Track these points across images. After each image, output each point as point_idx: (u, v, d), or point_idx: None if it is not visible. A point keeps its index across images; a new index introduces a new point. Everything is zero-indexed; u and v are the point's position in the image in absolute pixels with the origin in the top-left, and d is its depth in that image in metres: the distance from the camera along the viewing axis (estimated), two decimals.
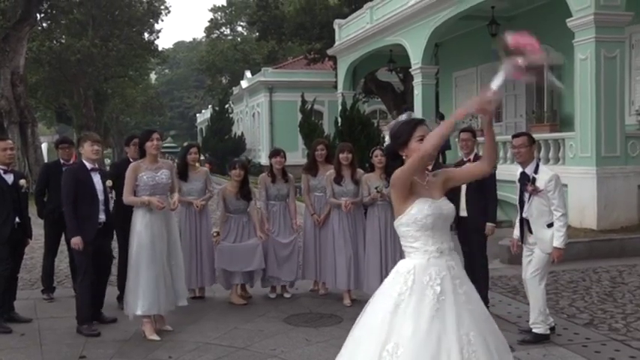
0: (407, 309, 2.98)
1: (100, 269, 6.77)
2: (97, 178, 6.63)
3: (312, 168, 8.02)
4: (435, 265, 3.12)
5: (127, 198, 6.31)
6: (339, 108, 17.78)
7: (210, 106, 49.93)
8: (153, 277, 6.26)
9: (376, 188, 7.32)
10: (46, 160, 22.93)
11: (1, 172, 6.85)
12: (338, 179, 7.55)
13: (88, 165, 6.61)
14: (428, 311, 2.97)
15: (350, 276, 7.49)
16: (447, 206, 3.30)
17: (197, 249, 7.85)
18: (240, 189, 7.80)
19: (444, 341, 2.90)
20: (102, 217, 6.64)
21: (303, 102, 18.33)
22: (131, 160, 7.37)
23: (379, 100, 30.14)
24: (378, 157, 7.41)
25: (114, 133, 57.55)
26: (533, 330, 5.89)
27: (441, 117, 18.67)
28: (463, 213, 6.83)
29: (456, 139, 7.83)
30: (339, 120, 15.51)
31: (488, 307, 6.87)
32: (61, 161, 8.06)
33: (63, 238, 7.66)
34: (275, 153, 8.04)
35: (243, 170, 7.83)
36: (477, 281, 6.90)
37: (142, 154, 6.53)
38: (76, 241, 6.38)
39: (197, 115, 67.30)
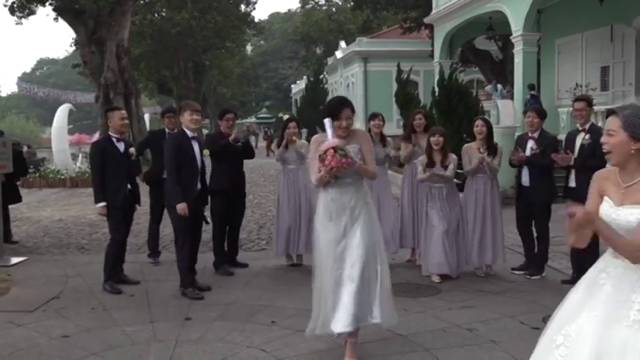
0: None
1: (194, 235, 6.95)
2: (196, 147, 6.79)
3: (410, 136, 8.08)
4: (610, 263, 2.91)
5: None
6: (436, 78, 17.51)
7: (304, 76, 50.21)
8: None
9: (479, 149, 7.40)
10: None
11: (115, 140, 7.16)
12: (429, 164, 7.48)
13: (189, 133, 6.76)
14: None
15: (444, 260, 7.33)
16: (628, 217, 2.80)
17: (297, 215, 8.03)
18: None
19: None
20: (197, 184, 6.81)
21: (399, 72, 18.13)
22: (224, 133, 7.74)
23: (477, 69, 29.41)
24: (478, 127, 7.43)
25: (211, 104, 58.93)
26: None
27: (531, 87, 18.04)
28: (572, 183, 6.90)
29: (570, 109, 7.71)
30: (436, 90, 15.25)
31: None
32: (167, 130, 8.38)
33: None
34: (373, 116, 8.17)
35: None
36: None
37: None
38: (182, 206, 6.54)
39: (292, 85, 67.85)
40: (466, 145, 7.67)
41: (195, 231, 6.96)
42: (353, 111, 4.85)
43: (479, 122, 7.52)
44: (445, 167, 7.38)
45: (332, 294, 4.69)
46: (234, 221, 8.18)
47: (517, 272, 7.61)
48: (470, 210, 7.52)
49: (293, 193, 8.03)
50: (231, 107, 8.61)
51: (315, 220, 4.97)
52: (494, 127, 14.00)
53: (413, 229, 8.03)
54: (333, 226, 4.76)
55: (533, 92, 18.10)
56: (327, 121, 4.67)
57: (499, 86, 21.51)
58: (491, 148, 7.43)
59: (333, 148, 4.55)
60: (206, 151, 7.09)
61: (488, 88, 24.03)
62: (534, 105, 17.88)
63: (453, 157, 7.50)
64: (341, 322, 4.64)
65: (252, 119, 78.31)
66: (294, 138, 8.12)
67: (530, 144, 7.34)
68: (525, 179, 7.40)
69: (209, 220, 7.58)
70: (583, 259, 6.94)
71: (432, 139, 7.42)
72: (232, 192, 7.93)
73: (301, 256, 8.23)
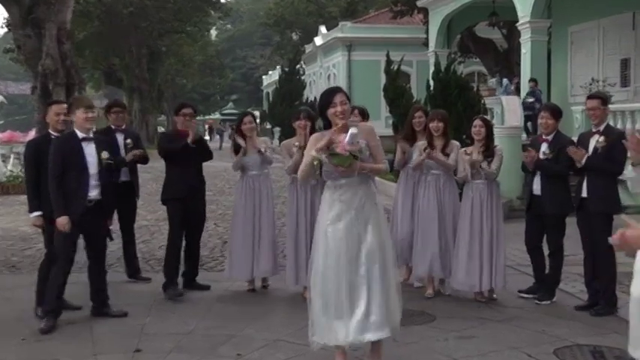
0: None
1: (93, 253, 6.90)
2: (90, 149, 6.66)
3: (408, 136, 8.14)
4: None
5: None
6: (431, 69, 17.55)
7: (278, 66, 50.26)
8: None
9: (465, 151, 7.54)
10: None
11: (56, 137, 7.00)
12: (429, 148, 7.62)
13: (80, 134, 6.66)
14: None
15: (434, 262, 7.65)
16: None
17: (256, 232, 7.95)
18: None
19: None
20: (93, 193, 6.63)
21: (389, 62, 18.17)
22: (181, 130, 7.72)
23: (478, 60, 29.64)
24: (477, 127, 7.56)
25: (168, 98, 58.77)
26: None
27: (534, 82, 18.26)
28: (584, 193, 7.01)
29: (583, 109, 7.80)
30: (431, 83, 15.32)
31: (616, 306, 6.85)
32: (113, 127, 8.30)
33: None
34: (351, 110, 8.03)
35: (310, 121, 7.67)
36: (600, 276, 6.99)
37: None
38: (62, 221, 6.43)
39: (263, 77, 67.94)
40: (462, 148, 7.72)
41: (90, 250, 6.92)
42: (348, 98, 5.12)
43: (477, 122, 7.61)
44: (446, 155, 7.58)
45: (346, 299, 4.96)
46: (192, 235, 8.12)
47: (524, 295, 7.63)
48: (464, 221, 7.54)
49: (252, 206, 7.92)
50: (189, 101, 8.62)
51: (319, 221, 5.23)
52: (498, 128, 14.13)
53: (410, 244, 8.02)
54: (344, 226, 5.03)
55: (533, 85, 18.33)
56: (352, 130, 4.89)
57: (504, 80, 21.66)
58: (488, 150, 7.47)
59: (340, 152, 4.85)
60: (105, 154, 6.81)
61: (492, 82, 24.24)
62: (533, 102, 18.20)
63: (455, 144, 7.71)
64: (374, 328, 4.95)
65: (217, 115, 78.25)
66: (250, 134, 7.97)
67: (544, 148, 7.37)
68: (537, 187, 7.43)
69: (114, 235, 7.61)
70: (600, 283, 7.03)
71: (431, 124, 7.60)
72: (189, 200, 7.86)
73: (266, 279, 8.21)
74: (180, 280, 8.01)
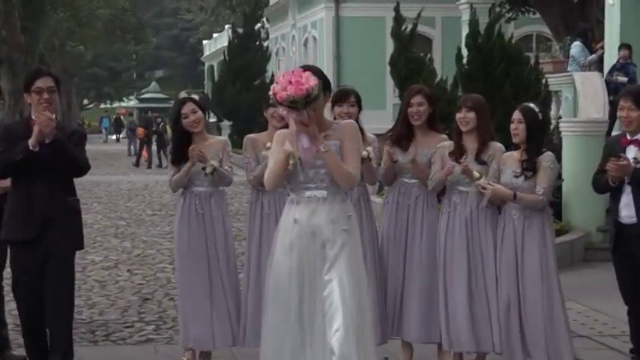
0: None
1: None
2: None
3: (401, 135, 8.07)
4: None
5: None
6: (464, 32, 17.57)
7: (227, 26, 50.31)
8: None
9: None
10: None
11: None
12: (456, 153, 7.62)
13: None
14: None
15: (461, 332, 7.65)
16: None
17: (214, 278, 8.04)
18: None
19: None
20: None
21: (398, 20, 18.17)
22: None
23: (537, 16, 29.67)
24: (514, 122, 7.51)
25: (56, 72, 58.71)
26: None
27: (627, 49, 18.29)
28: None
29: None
30: (464, 53, 15.35)
31: None
32: None
33: None
34: (341, 96, 8.08)
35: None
36: None
37: None
38: None
39: (204, 42, 67.97)
40: (505, 154, 7.68)
41: None
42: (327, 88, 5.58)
43: (516, 115, 7.52)
44: (482, 161, 7.56)
45: None
46: (51, 305, 7.67)
47: None
48: (500, 259, 7.59)
49: (202, 241, 7.97)
50: (46, 68, 8.27)
51: (273, 247, 5.56)
52: (567, 122, 14.20)
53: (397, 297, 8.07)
54: (297, 258, 5.31)
55: (625, 55, 18.29)
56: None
57: (577, 44, 21.44)
58: (529, 161, 7.42)
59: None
60: None
61: (558, 49, 24.18)
62: (625, 81, 18.11)
63: (497, 147, 7.68)
64: None
65: (132, 102, 78.17)
66: (196, 130, 8.00)
67: (632, 152, 7.40)
68: (628, 213, 7.45)
69: None
70: None
71: (458, 115, 7.61)
72: (39, 243, 7.67)
73: (210, 354, 8.24)
74: None
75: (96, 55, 64.81)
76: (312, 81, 5.28)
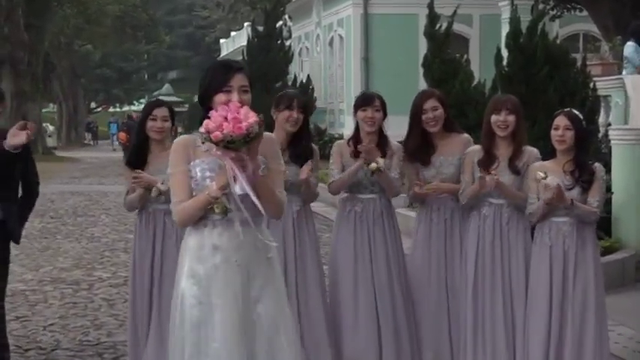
0: None
1: None
2: None
3: (420, 148, 8.11)
4: None
5: None
6: (504, 30, 17.56)
7: (246, 24, 50.45)
8: None
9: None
10: None
11: None
12: (486, 162, 7.61)
13: None
14: None
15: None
16: None
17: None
18: (293, 144, 7.94)
19: None
20: None
21: (432, 17, 18.19)
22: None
23: (584, 14, 29.64)
24: (559, 129, 7.39)
25: (62, 74, 58.89)
26: None
27: None
28: None
29: None
30: (505, 54, 15.34)
31: None
32: None
33: None
34: (365, 101, 8.15)
35: (303, 113, 7.85)
36: None
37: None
38: None
39: (221, 42, 68.21)
40: (538, 163, 7.60)
41: None
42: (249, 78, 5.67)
43: (559, 120, 7.40)
44: (516, 170, 7.57)
45: None
46: None
47: None
48: (538, 289, 7.52)
49: (158, 260, 8.07)
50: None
51: (177, 278, 5.58)
52: (618, 130, 14.17)
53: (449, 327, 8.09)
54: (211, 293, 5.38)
55: None
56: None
57: (630, 45, 21.26)
58: (582, 169, 7.39)
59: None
60: None
61: (607, 49, 24.10)
62: None
63: (533, 153, 7.68)
64: None
65: (142, 105, 78.44)
66: (158, 138, 8.07)
67: None
68: None
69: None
70: None
71: (494, 117, 7.57)
72: None
73: None
74: None
75: (105, 54, 65.11)
76: (250, 117, 5.18)
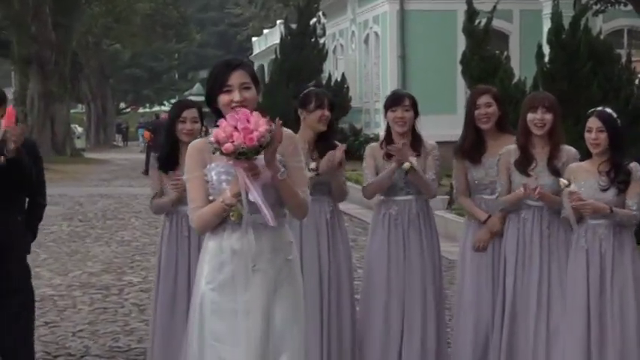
0: None
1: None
2: None
3: (472, 146, 8.09)
4: None
5: None
6: (546, 27, 17.47)
7: (279, 22, 50.48)
8: None
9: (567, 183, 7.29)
10: None
11: None
12: (523, 162, 7.59)
13: None
14: None
15: None
16: None
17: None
18: (320, 143, 7.96)
19: None
20: None
21: (471, 13, 18.12)
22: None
23: (628, 8, 29.48)
24: (592, 131, 7.32)
25: (91, 74, 59.09)
26: None
27: None
28: None
29: None
30: (546, 50, 15.25)
31: None
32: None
33: None
34: (394, 100, 8.15)
35: (331, 111, 7.90)
36: None
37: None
38: None
39: (253, 40, 68.31)
40: (574, 164, 7.54)
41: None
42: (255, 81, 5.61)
43: (592, 121, 7.34)
44: (555, 169, 7.51)
45: None
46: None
47: None
48: (576, 296, 7.46)
49: (185, 263, 8.06)
50: None
51: (197, 282, 5.62)
52: None
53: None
54: (237, 293, 5.43)
55: None
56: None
57: None
58: (618, 169, 7.31)
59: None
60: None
61: None
62: None
63: (572, 152, 7.64)
64: None
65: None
66: (187, 140, 7.99)
67: None
68: None
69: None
70: None
71: (530, 116, 7.53)
72: None
73: None
74: None
75: (134, 54, 65.32)
76: (261, 126, 5.12)
